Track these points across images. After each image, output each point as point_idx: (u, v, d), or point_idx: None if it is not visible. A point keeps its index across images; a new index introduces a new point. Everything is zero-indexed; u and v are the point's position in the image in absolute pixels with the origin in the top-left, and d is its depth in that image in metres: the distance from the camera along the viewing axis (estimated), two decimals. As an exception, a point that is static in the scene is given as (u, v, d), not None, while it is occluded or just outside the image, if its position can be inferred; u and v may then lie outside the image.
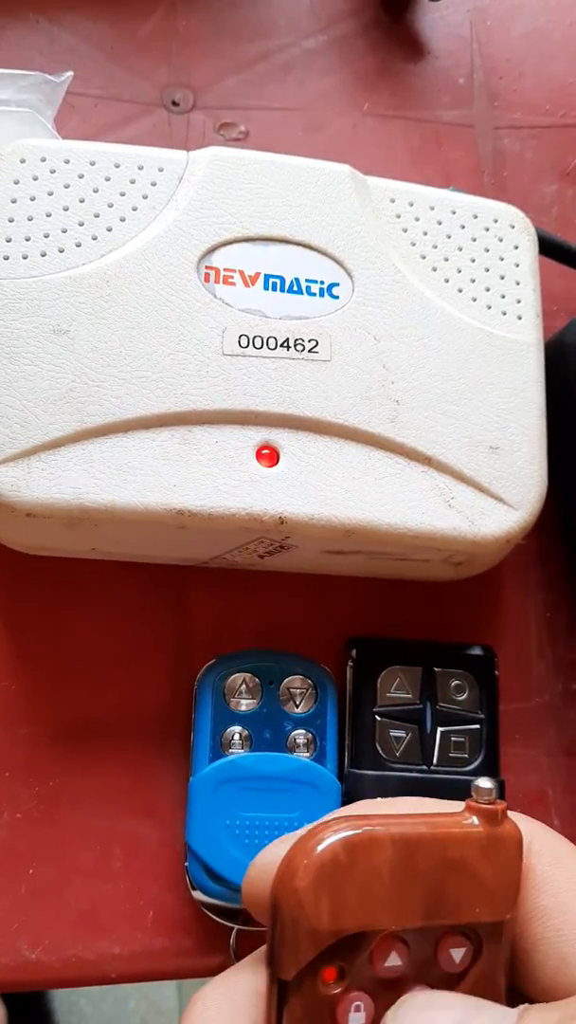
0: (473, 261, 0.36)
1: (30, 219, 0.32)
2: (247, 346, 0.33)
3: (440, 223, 0.36)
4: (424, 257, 0.35)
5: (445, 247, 0.36)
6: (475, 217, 0.36)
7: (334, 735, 0.35)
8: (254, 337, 0.33)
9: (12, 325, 0.32)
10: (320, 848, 0.20)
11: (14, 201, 0.33)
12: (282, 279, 0.34)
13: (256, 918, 0.24)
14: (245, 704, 0.35)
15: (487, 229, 0.36)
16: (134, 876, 0.35)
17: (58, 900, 0.34)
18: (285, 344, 0.33)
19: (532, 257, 0.37)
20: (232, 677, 0.35)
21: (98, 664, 0.36)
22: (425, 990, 0.20)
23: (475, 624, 0.40)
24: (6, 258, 0.32)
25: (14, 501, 0.31)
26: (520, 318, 0.36)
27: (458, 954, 0.21)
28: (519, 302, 0.36)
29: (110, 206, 0.33)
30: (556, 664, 0.40)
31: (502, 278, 0.36)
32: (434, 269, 0.35)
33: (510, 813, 0.22)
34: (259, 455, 0.32)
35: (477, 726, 0.36)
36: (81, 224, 0.33)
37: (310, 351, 0.33)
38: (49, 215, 0.33)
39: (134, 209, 0.33)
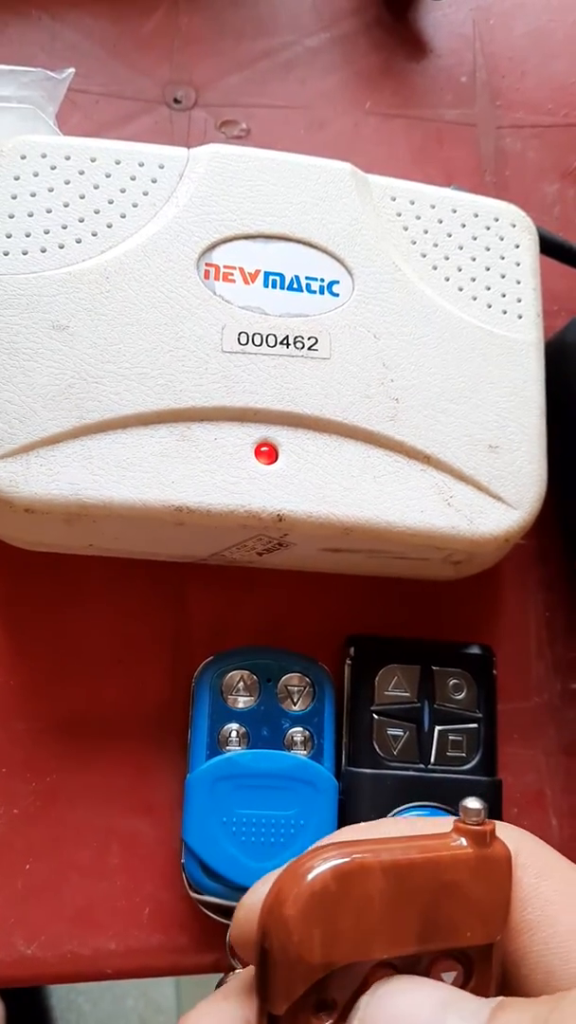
0: (474, 260, 0.36)
1: (30, 215, 0.32)
2: (246, 343, 0.33)
3: (441, 221, 0.36)
4: (424, 255, 0.35)
5: (446, 245, 0.36)
6: (476, 216, 0.36)
7: (332, 733, 0.35)
8: (253, 334, 0.33)
9: (12, 321, 0.32)
10: (310, 877, 0.19)
11: (15, 197, 0.33)
12: (282, 276, 0.34)
13: (245, 959, 0.23)
14: (243, 701, 0.35)
15: (488, 228, 0.36)
16: (130, 873, 0.35)
17: (54, 896, 0.34)
18: (285, 341, 0.33)
19: (533, 256, 0.37)
20: (230, 674, 0.35)
21: (96, 660, 0.36)
22: (403, 976, 0.20)
23: (474, 623, 0.40)
24: (6, 254, 0.32)
25: (13, 497, 0.31)
26: (520, 317, 0.36)
27: (449, 977, 0.21)
28: (519, 301, 0.36)
29: (110, 203, 0.33)
30: (555, 664, 0.40)
31: (503, 277, 0.36)
32: (434, 267, 0.35)
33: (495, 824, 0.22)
34: (258, 452, 0.32)
35: (475, 725, 0.36)
36: (81, 220, 0.33)
37: (310, 349, 0.33)
38: (50, 211, 0.33)
39: (134, 206, 0.33)
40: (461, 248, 0.36)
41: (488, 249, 0.36)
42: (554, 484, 0.36)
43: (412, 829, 0.22)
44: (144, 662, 0.37)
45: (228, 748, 0.34)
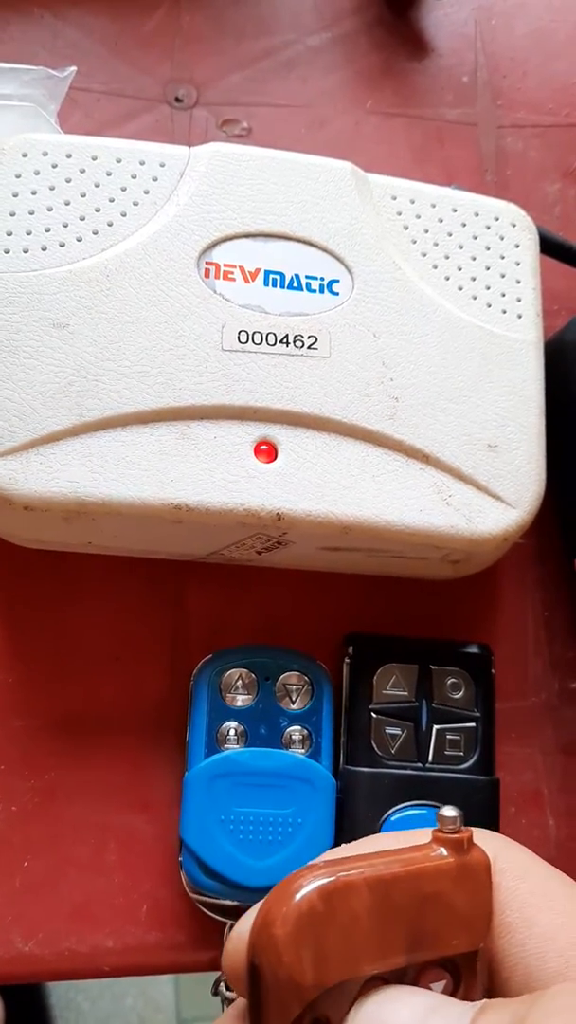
0: (474, 259, 0.36)
1: (31, 213, 0.33)
2: (246, 342, 0.33)
3: (441, 221, 0.36)
4: (425, 254, 0.35)
5: (446, 245, 0.36)
6: (476, 215, 0.36)
7: (330, 732, 0.35)
8: (253, 333, 0.33)
9: (12, 319, 0.32)
10: (297, 898, 0.19)
11: (15, 195, 0.33)
12: (282, 275, 0.34)
13: (237, 989, 0.23)
14: (241, 700, 0.35)
15: (488, 227, 0.36)
16: (128, 870, 0.35)
17: (52, 893, 0.34)
18: (284, 340, 0.33)
19: (533, 256, 0.37)
20: (228, 672, 0.35)
21: (94, 658, 0.36)
22: (388, 986, 0.20)
23: (472, 622, 0.40)
24: (6, 252, 0.32)
25: (12, 494, 0.31)
26: (520, 316, 0.36)
27: (439, 987, 0.21)
28: (519, 300, 0.36)
29: (111, 201, 0.33)
30: (553, 663, 0.40)
31: (503, 276, 0.36)
32: (434, 267, 0.35)
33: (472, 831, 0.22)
34: (257, 451, 0.32)
35: (473, 724, 0.36)
36: (82, 219, 0.33)
37: (309, 347, 0.33)
38: (50, 209, 0.33)
39: (135, 204, 0.33)
40: (461, 247, 0.36)
41: (488, 248, 0.36)
42: (553, 483, 0.36)
43: (395, 843, 0.22)
44: (143, 660, 0.37)
45: (226, 746, 0.34)
